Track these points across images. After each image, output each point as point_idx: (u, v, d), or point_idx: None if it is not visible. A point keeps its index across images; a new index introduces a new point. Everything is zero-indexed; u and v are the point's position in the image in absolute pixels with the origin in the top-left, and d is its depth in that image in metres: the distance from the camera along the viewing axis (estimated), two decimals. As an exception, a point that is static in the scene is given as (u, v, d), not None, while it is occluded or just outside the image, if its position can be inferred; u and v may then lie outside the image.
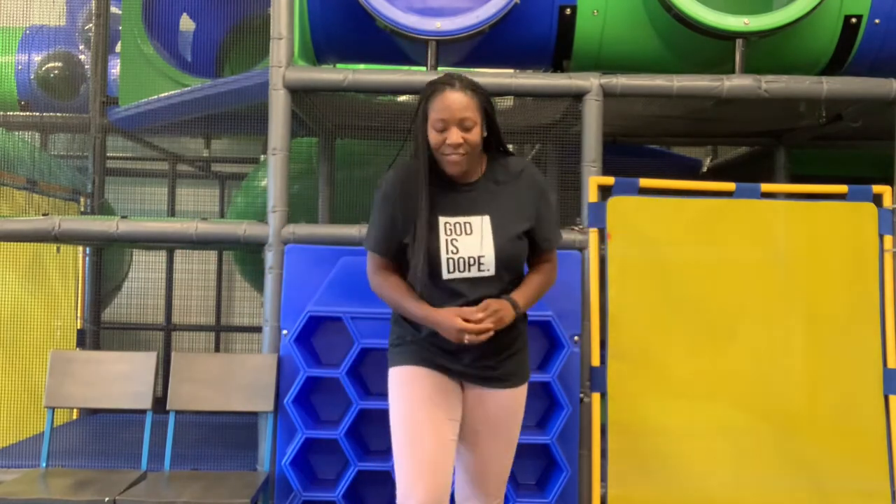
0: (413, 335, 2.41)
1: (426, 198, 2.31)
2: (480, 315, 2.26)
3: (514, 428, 2.46)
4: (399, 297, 2.39)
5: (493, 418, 2.41)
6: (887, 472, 3.36)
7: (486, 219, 2.36)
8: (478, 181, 2.40)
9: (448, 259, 2.32)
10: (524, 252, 2.42)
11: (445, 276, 2.32)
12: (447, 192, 2.37)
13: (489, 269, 2.33)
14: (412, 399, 2.37)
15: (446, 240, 2.33)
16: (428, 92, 2.33)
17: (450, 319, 2.26)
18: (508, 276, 2.39)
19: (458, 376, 2.40)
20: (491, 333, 2.27)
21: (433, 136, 2.30)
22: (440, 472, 2.30)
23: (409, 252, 2.37)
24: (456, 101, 2.28)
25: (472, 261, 2.33)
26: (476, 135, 2.30)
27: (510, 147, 2.62)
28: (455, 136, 2.27)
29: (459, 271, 2.33)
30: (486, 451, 2.43)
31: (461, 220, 2.36)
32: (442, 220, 2.34)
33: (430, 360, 2.39)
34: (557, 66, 4.00)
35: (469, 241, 2.34)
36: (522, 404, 2.48)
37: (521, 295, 2.39)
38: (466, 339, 2.25)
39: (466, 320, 2.26)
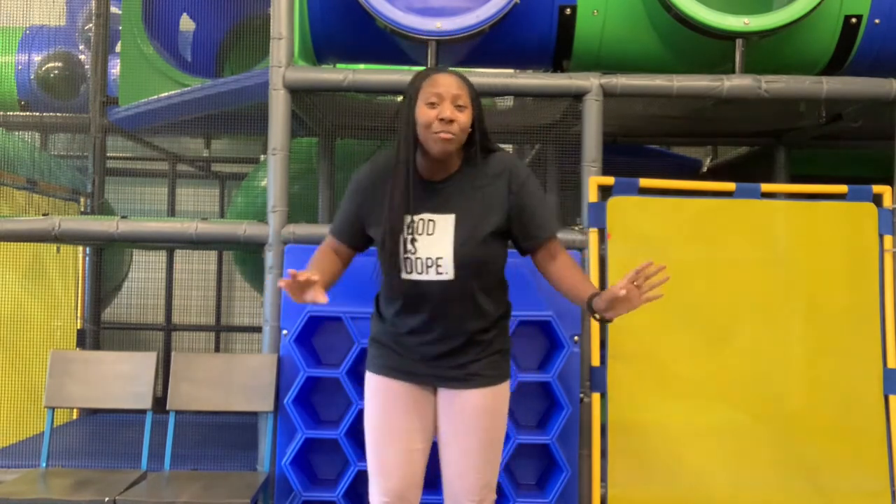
0: (379, 332, 2.40)
1: (405, 187, 2.23)
2: (633, 275, 2.11)
3: (492, 429, 2.35)
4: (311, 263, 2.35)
5: (467, 419, 2.32)
6: (887, 472, 3.36)
7: (452, 218, 2.26)
8: (450, 178, 2.30)
9: (405, 259, 2.25)
10: (494, 257, 2.31)
11: (403, 275, 2.26)
12: (415, 188, 2.26)
13: (447, 272, 2.24)
14: (378, 411, 2.38)
15: (405, 238, 2.25)
16: (419, 77, 2.27)
17: None
18: (474, 282, 2.28)
19: (428, 380, 2.36)
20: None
21: (424, 113, 2.20)
22: (397, 477, 2.34)
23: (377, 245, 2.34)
24: (450, 80, 2.23)
25: (429, 262, 2.24)
26: (467, 118, 2.22)
27: (509, 147, 2.59)
28: (448, 109, 2.18)
29: (417, 273, 2.25)
30: (461, 452, 2.34)
31: (425, 217, 2.26)
32: (406, 217, 2.26)
33: (400, 369, 2.36)
34: (557, 66, 4.00)
35: (429, 242, 2.25)
36: (502, 403, 2.38)
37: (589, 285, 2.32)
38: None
39: None
